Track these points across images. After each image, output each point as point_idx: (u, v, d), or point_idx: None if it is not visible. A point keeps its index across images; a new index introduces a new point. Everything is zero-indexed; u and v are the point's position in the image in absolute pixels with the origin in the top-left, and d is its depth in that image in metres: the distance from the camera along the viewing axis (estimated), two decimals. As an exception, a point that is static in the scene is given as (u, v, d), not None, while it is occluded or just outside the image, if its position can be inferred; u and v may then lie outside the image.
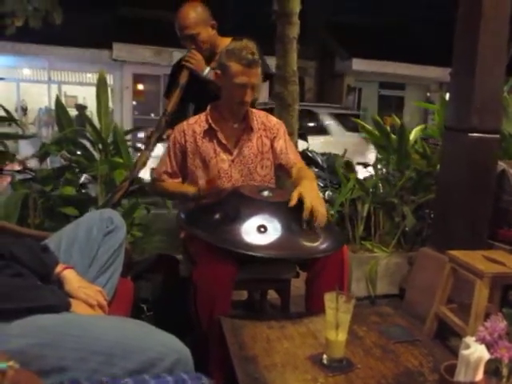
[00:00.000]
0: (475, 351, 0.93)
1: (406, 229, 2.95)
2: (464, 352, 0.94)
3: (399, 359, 1.26)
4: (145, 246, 2.76)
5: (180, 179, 1.97)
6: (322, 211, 1.57)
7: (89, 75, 12.35)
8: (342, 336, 1.18)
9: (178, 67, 2.27)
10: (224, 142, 1.89)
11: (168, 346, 1.05)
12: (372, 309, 1.83)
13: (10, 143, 2.71)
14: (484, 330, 0.98)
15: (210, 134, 1.90)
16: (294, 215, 1.58)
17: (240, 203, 1.63)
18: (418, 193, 3.00)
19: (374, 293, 2.75)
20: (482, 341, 0.96)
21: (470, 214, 2.36)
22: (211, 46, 2.22)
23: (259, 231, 1.52)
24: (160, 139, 2.22)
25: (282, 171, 2.00)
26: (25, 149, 7.89)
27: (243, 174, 1.90)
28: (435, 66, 11.98)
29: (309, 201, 1.56)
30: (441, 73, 11.88)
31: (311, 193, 1.62)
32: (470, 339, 0.96)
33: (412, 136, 3.17)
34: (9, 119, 2.64)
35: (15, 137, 3.63)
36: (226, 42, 2.21)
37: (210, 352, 1.54)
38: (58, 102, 2.61)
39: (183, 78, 2.20)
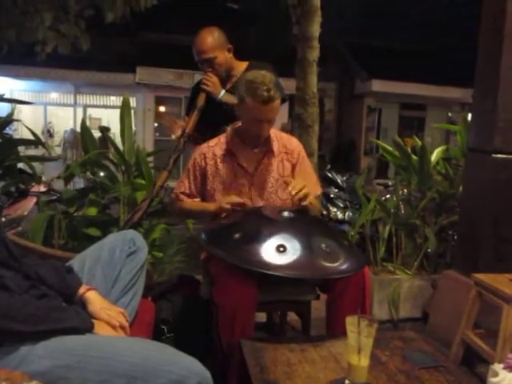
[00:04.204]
0: (504, 379, 0.90)
1: (429, 250, 2.90)
2: (492, 380, 0.92)
3: (424, 386, 1.22)
4: (165, 266, 2.77)
5: (199, 199, 1.96)
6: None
7: (113, 98, 12.70)
8: (364, 361, 1.16)
9: (197, 90, 2.33)
10: (244, 165, 1.90)
11: (189, 369, 1.04)
12: (395, 333, 1.80)
13: (36, 165, 2.77)
14: (512, 357, 0.95)
15: (230, 156, 1.90)
16: (313, 236, 1.57)
17: (260, 223, 1.63)
18: (441, 214, 2.95)
19: (396, 316, 2.70)
20: (510, 369, 0.93)
21: (494, 236, 2.30)
22: (227, 68, 2.28)
23: (278, 251, 1.51)
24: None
25: None
26: (50, 170, 8.09)
27: (263, 197, 1.89)
28: (456, 86, 11.92)
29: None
30: (462, 93, 11.83)
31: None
32: (498, 366, 0.94)
33: (434, 157, 3.14)
34: (36, 142, 2.71)
35: (42, 159, 3.72)
36: (242, 66, 2.27)
37: (231, 375, 1.52)
38: (83, 125, 2.68)
39: (201, 100, 2.25)
